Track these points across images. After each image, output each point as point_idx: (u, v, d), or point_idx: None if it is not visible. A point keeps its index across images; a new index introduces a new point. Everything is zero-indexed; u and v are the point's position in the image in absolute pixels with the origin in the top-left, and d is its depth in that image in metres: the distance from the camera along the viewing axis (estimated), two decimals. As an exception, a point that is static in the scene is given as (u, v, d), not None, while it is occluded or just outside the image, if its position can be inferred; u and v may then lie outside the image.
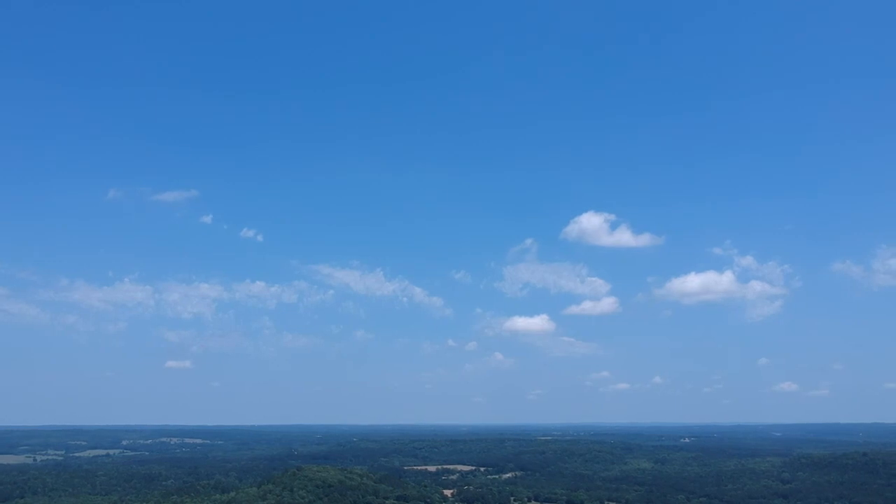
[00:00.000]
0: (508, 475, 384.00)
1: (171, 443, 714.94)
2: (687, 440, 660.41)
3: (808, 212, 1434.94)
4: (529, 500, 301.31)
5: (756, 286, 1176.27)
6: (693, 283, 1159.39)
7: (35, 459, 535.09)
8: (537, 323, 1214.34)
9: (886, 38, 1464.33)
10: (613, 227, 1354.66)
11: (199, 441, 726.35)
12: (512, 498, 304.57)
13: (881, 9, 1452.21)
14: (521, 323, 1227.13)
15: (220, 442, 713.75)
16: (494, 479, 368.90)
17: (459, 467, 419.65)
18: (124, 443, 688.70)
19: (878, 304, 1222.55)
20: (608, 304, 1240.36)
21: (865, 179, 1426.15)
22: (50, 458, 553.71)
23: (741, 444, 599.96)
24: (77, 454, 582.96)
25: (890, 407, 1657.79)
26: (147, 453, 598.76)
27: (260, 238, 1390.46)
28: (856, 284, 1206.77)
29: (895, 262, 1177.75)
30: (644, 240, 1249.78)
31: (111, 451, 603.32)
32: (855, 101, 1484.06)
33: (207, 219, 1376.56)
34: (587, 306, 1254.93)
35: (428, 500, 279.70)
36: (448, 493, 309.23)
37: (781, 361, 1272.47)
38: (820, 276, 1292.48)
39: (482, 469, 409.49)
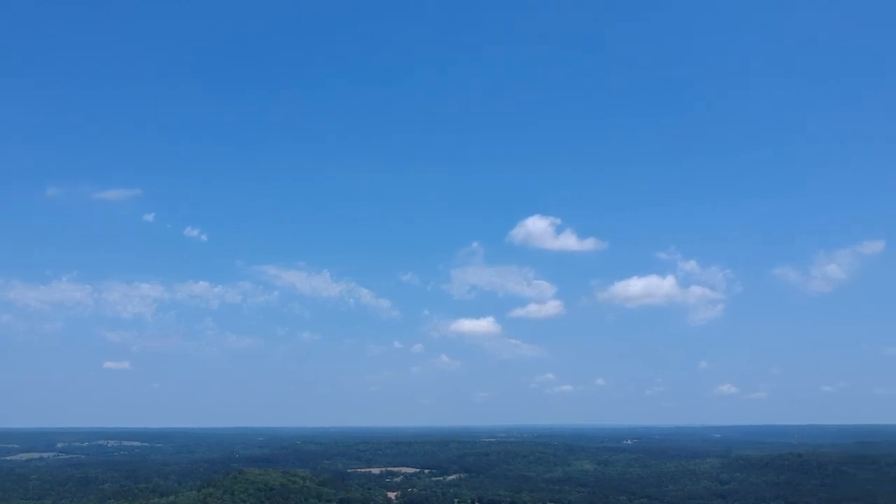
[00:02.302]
0: (453, 477, 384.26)
1: (109, 445, 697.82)
2: (629, 442, 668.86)
3: (752, 217, 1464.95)
4: (473, 502, 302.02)
5: (697, 290, 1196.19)
6: (636, 287, 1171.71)
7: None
8: (483, 325, 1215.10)
9: (843, 38, 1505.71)
10: (559, 231, 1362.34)
11: (137, 443, 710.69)
12: (456, 500, 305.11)
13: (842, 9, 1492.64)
14: (468, 325, 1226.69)
15: (159, 444, 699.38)
16: (438, 480, 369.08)
17: (404, 469, 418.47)
18: (59, 445, 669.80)
19: (814, 310, 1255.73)
20: (553, 307, 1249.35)
21: (805, 186, 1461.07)
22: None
23: (682, 445, 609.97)
24: (9, 457, 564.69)
25: (824, 409, 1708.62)
26: (83, 456, 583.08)
27: (204, 238, 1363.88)
28: (794, 290, 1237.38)
29: (831, 269, 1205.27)
30: (589, 244, 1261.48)
31: (45, 455, 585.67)
32: (799, 109, 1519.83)
33: (150, 217, 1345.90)
34: (532, 309, 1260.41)
35: (372, 503, 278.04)
36: (392, 495, 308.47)
37: (721, 365, 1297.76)
38: (760, 282, 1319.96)
39: (426, 471, 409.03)
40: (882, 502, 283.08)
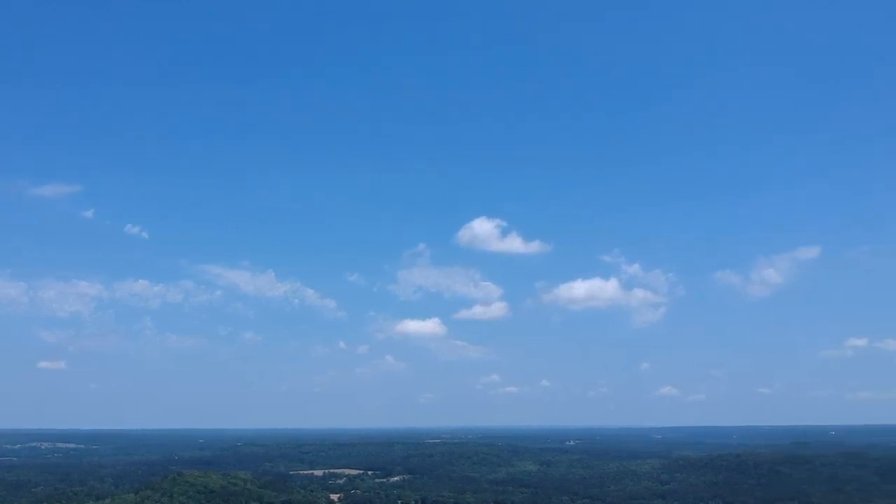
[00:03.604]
0: (396, 478, 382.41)
1: (42, 447, 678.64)
2: (572, 443, 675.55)
3: (694, 222, 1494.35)
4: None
5: (639, 293, 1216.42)
6: (579, 289, 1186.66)
7: None
8: (429, 326, 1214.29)
9: (781, 42, 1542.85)
10: (504, 233, 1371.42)
11: (72, 445, 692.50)
12: (399, 501, 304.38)
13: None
14: (413, 326, 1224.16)
15: (95, 446, 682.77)
16: (382, 482, 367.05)
17: (347, 471, 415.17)
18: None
19: (753, 313, 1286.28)
20: (498, 308, 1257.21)
21: (746, 192, 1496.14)
22: None
23: (624, 446, 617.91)
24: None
25: (761, 410, 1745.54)
26: (15, 459, 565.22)
27: (145, 235, 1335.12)
28: (734, 294, 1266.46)
29: (769, 273, 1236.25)
30: (534, 247, 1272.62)
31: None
32: (741, 117, 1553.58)
33: (89, 213, 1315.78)
34: (478, 310, 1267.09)
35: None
36: (335, 497, 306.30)
37: (663, 367, 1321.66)
38: (701, 285, 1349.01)
39: (370, 473, 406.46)
40: (816, 501, 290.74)
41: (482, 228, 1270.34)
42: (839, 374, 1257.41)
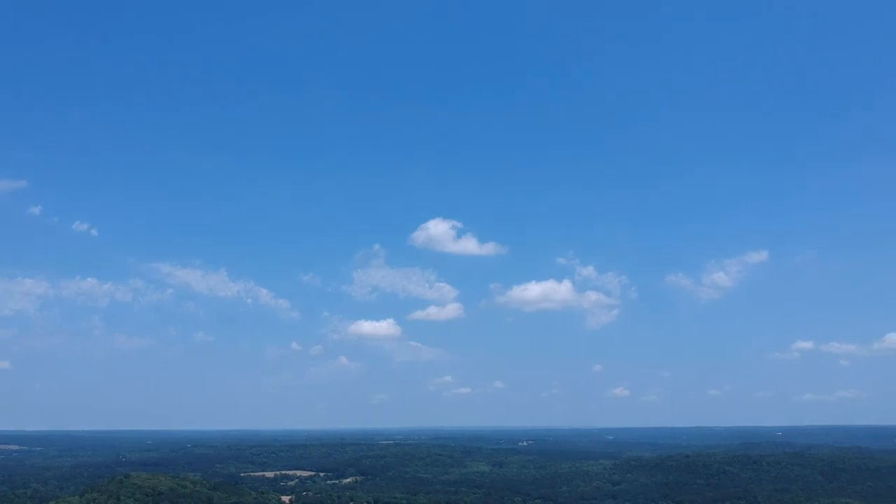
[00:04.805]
0: (349, 480, 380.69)
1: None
2: (525, 443, 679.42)
3: (648, 226, 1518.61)
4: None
5: (592, 296, 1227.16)
6: (533, 291, 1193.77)
7: None
8: (384, 327, 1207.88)
9: (729, 57, 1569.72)
10: (460, 234, 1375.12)
11: (15, 447, 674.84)
12: (351, 503, 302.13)
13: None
14: (368, 327, 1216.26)
15: (39, 448, 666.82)
16: (334, 484, 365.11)
17: (299, 473, 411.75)
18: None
19: (703, 316, 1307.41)
20: (453, 309, 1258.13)
21: (698, 198, 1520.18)
22: None
23: (576, 447, 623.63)
24: None
25: (711, 412, 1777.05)
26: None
27: (94, 232, 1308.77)
28: (686, 297, 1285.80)
29: (719, 277, 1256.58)
30: (489, 248, 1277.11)
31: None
32: (693, 127, 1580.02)
33: (36, 210, 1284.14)
34: (433, 311, 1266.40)
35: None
36: (286, 499, 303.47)
37: (615, 368, 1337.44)
38: (653, 288, 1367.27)
39: (322, 474, 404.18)
40: (762, 500, 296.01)
41: (437, 229, 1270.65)
42: (786, 377, 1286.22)
